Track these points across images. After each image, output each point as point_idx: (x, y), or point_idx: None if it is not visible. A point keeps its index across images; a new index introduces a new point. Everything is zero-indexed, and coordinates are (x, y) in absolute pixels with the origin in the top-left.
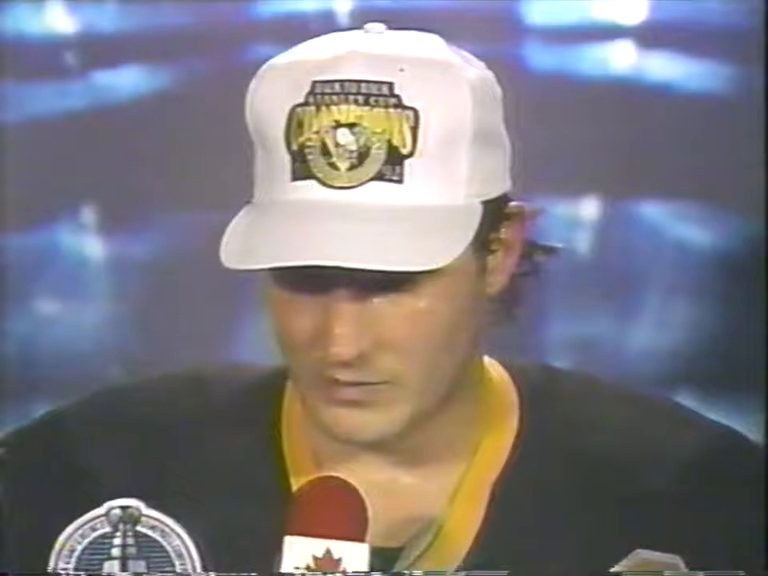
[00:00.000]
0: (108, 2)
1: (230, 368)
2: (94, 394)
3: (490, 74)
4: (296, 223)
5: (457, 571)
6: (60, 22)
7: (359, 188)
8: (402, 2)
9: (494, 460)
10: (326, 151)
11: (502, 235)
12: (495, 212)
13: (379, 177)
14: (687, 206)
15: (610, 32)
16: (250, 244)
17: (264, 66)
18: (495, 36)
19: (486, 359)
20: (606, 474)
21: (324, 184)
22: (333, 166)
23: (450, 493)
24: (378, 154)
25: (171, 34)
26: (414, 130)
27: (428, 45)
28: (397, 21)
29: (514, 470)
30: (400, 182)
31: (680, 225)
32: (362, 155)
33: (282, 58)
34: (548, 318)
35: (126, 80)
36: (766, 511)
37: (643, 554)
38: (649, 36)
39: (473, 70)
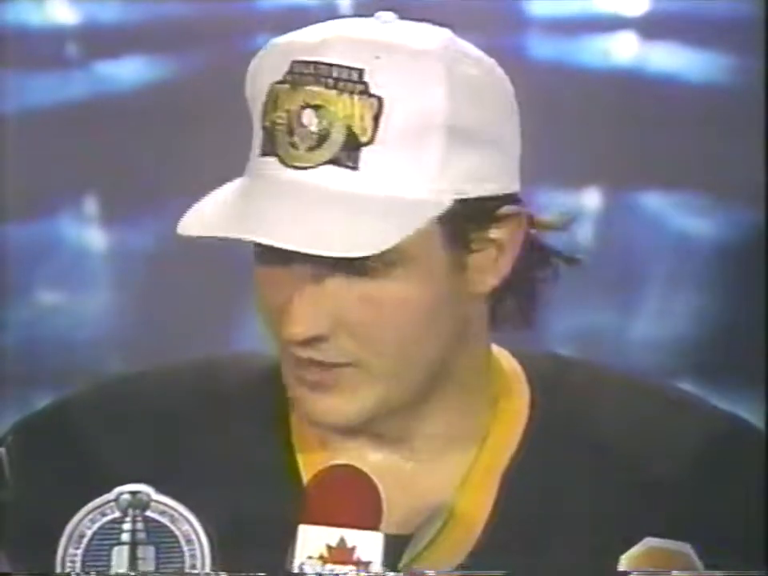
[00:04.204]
0: None
1: (238, 355)
2: (102, 382)
3: (494, 74)
4: (247, 198)
5: (459, 568)
6: (61, 12)
7: (314, 170)
8: None
9: (503, 448)
10: (290, 130)
11: (492, 235)
12: (480, 211)
13: (335, 161)
14: (689, 196)
15: (611, 23)
16: (201, 214)
17: (264, 47)
18: (497, 27)
19: (495, 348)
20: (615, 461)
21: (283, 162)
22: (293, 145)
23: (459, 480)
24: (337, 138)
25: (172, 25)
26: (377, 118)
27: (418, 35)
28: (397, 12)
29: (524, 457)
30: (355, 168)
31: (681, 215)
32: (322, 138)
33: (280, 39)
34: (550, 309)
35: (127, 70)
36: None
37: (652, 542)
38: (650, 27)
39: (463, 65)
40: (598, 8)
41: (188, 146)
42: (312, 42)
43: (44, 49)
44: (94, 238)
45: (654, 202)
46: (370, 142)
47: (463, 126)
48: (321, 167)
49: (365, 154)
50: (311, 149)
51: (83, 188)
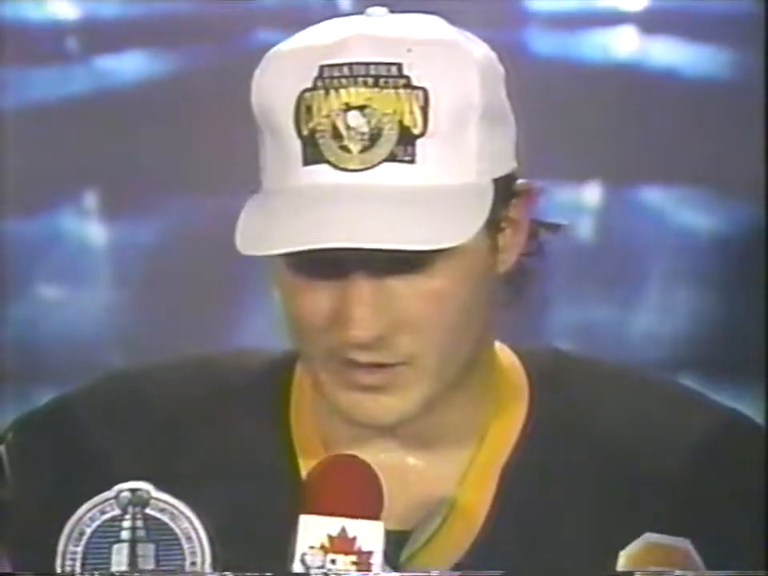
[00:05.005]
0: None
1: (239, 353)
2: (103, 379)
3: (493, 54)
4: (311, 207)
5: (458, 565)
6: (62, 6)
7: (372, 170)
8: None
9: (503, 443)
10: (337, 134)
11: (510, 213)
12: (504, 190)
13: (392, 158)
14: (689, 191)
15: (611, 17)
16: (265, 230)
17: (269, 53)
18: (498, 21)
19: (496, 344)
20: (614, 456)
21: (336, 167)
22: (345, 148)
23: (459, 476)
24: (390, 134)
25: (173, 19)
26: (425, 109)
27: (432, 25)
28: (399, 6)
29: (523, 453)
30: (412, 162)
31: (682, 210)
32: (374, 137)
33: (287, 44)
34: (550, 304)
35: (128, 65)
36: None
37: (652, 538)
38: (651, 21)
39: (478, 48)
40: (597, 3)
41: (189, 141)
42: (333, 43)
43: (44, 43)
44: (95, 233)
45: (654, 196)
46: (422, 133)
47: (491, 107)
48: (378, 166)
49: (419, 146)
50: (365, 149)
51: (83, 183)
